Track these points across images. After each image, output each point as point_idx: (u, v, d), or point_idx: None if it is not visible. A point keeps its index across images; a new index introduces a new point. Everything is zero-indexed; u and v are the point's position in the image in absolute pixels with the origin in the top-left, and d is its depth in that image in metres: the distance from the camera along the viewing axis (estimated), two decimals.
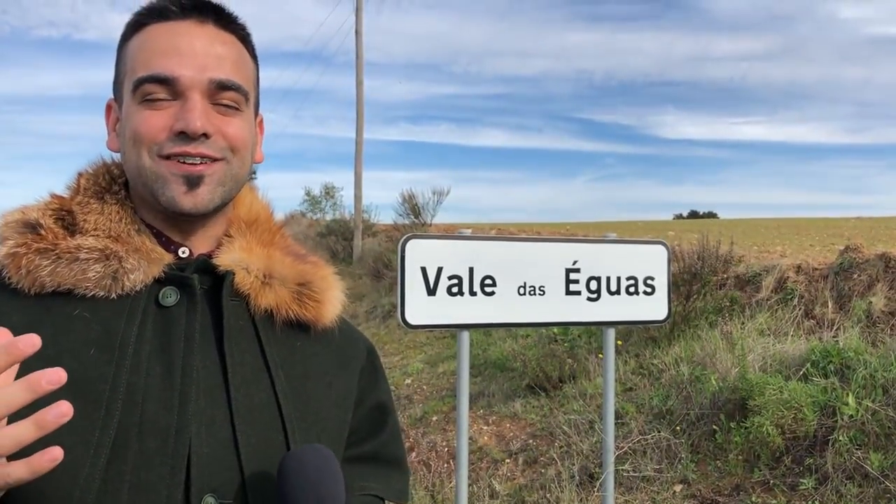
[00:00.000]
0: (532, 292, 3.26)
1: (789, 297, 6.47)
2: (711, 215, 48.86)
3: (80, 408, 0.81)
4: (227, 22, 0.97)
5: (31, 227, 0.90)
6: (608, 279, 3.40)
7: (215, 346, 0.91)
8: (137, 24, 0.94)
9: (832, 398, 4.44)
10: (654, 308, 3.49)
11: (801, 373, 4.83)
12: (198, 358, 0.89)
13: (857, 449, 4.15)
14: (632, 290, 3.44)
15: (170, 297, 0.91)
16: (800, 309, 6.18)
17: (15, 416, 0.63)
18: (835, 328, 5.70)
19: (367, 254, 16.56)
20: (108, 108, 1.00)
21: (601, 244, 3.44)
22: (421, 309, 3.07)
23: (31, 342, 0.63)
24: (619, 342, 6.63)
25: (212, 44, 0.93)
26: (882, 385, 4.41)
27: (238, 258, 0.97)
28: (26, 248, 0.88)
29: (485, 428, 5.99)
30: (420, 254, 3.07)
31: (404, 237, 3.10)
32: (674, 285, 5.91)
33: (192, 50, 0.91)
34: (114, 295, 0.88)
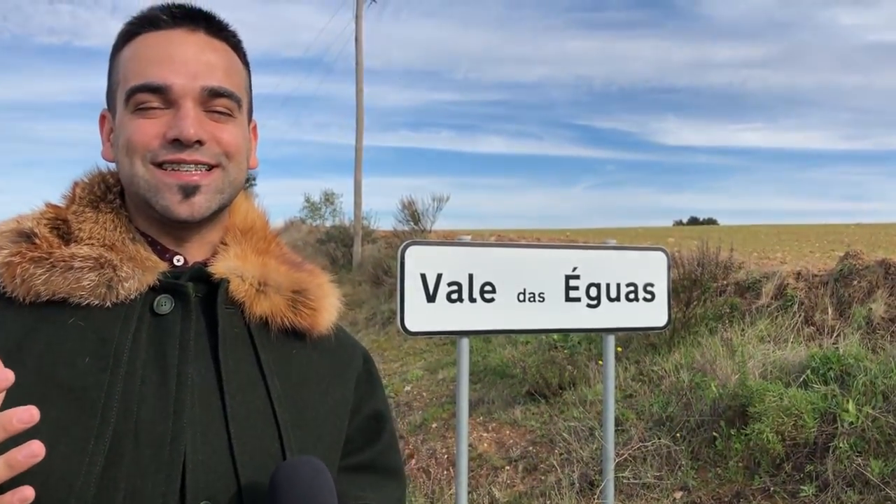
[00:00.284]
0: (532, 299, 3.26)
1: (789, 303, 6.47)
2: (711, 222, 48.85)
3: (74, 416, 0.81)
4: (218, 29, 0.97)
5: (26, 237, 0.90)
6: (608, 286, 3.39)
7: (210, 353, 0.91)
8: (129, 33, 0.95)
9: (832, 405, 4.43)
10: (654, 314, 3.48)
11: (802, 379, 4.82)
12: (193, 365, 0.89)
13: (857, 456, 4.14)
14: (632, 296, 3.43)
15: (164, 305, 0.91)
16: (800, 315, 6.18)
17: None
18: (835, 335, 5.69)
19: (366, 260, 16.56)
20: (102, 118, 1.00)
21: (601, 251, 3.44)
22: (420, 315, 3.07)
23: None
24: (619, 349, 6.62)
25: (203, 51, 0.93)
26: (882, 392, 4.40)
27: (233, 266, 0.97)
28: (21, 256, 0.88)
29: (484, 435, 5.98)
30: (420, 260, 3.07)
31: (404, 244, 3.10)
32: (674, 292, 5.90)
33: (183, 58, 0.91)
34: (108, 303, 0.88)
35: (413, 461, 5.71)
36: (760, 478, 4.39)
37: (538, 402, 6.32)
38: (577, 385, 6.32)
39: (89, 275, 0.88)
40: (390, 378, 8.26)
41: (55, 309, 0.87)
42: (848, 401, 4.36)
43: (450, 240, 3.42)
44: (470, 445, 5.38)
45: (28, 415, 0.64)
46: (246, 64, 1.02)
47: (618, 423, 5.12)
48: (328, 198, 29.55)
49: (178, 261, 0.97)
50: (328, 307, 1.04)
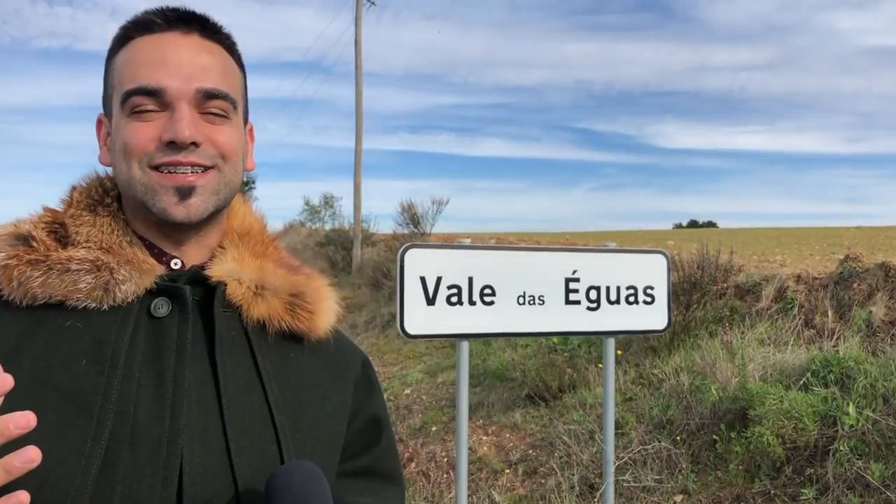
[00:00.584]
0: (532, 302, 3.26)
1: (789, 306, 6.47)
2: (711, 225, 48.90)
3: (71, 418, 0.81)
4: (212, 32, 0.97)
5: (23, 240, 0.90)
6: (608, 288, 3.39)
7: (207, 356, 0.91)
8: (123, 37, 0.95)
9: (833, 408, 4.42)
10: (654, 317, 3.48)
11: (802, 382, 4.82)
12: (189, 368, 0.88)
13: (857, 459, 4.13)
14: (631, 299, 3.43)
15: (162, 308, 0.91)
16: (800, 318, 6.17)
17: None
18: (835, 337, 5.69)
19: (366, 263, 16.57)
20: (99, 123, 1.00)
21: (601, 253, 3.44)
22: (420, 318, 3.06)
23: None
24: (619, 352, 6.62)
25: (197, 54, 0.93)
26: (883, 394, 4.40)
27: (230, 269, 0.97)
28: (18, 259, 0.88)
29: (484, 438, 5.97)
30: (419, 263, 3.06)
31: (404, 247, 3.09)
32: (674, 295, 5.90)
33: (177, 60, 0.91)
34: (105, 306, 0.88)
35: (413, 464, 5.71)
36: (761, 481, 4.38)
37: (538, 405, 6.32)
38: (576, 388, 6.31)
39: (86, 277, 0.88)
40: (390, 381, 8.25)
41: (52, 312, 0.87)
42: (848, 403, 4.35)
43: (450, 243, 3.41)
44: (470, 449, 5.37)
45: (25, 420, 0.64)
46: (241, 66, 1.02)
47: (618, 426, 5.12)
48: (327, 201, 29.66)
49: (176, 264, 0.97)
50: (326, 310, 1.04)
